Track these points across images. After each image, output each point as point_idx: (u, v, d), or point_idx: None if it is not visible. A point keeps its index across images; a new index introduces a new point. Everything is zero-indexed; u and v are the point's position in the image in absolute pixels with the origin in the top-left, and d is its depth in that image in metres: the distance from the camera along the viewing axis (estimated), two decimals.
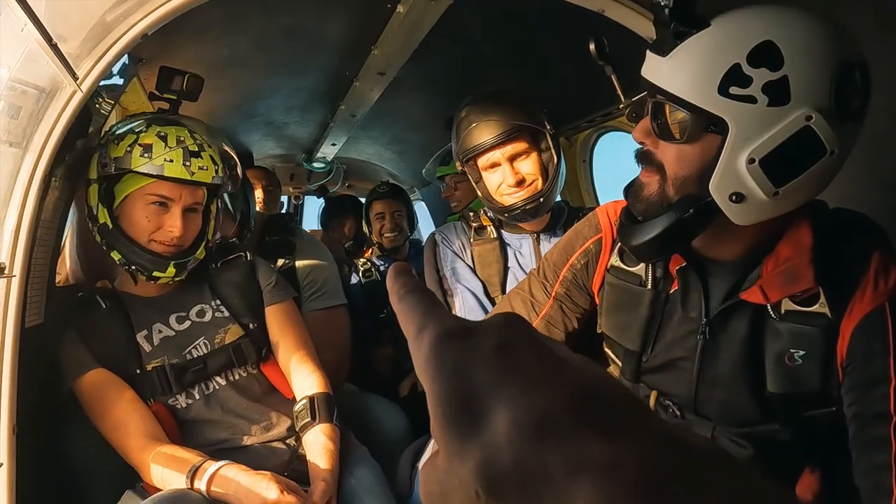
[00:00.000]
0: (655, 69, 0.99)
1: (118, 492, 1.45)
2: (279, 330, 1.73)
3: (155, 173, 1.47)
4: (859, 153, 0.98)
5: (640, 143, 1.07)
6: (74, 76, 1.20)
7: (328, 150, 3.63)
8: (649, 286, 1.21)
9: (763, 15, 0.93)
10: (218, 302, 1.69)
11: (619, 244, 1.28)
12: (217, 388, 1.58)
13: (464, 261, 2.01)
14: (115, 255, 1.52)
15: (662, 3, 0.93)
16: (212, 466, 1.32)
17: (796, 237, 1.06)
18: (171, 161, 1.48)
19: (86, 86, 1.22)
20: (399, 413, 2.04)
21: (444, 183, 3.01)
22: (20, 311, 1.19)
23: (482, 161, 1.87)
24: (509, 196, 1.86)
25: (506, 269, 1.97)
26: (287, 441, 1.61)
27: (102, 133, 1.61)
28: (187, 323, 1.62)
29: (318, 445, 1.50)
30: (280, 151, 3.78)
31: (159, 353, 1.55)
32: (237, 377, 1.62)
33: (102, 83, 1.32)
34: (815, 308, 1.04)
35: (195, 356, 1.58)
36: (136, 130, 1.52)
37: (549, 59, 2.30)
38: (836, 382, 1.04)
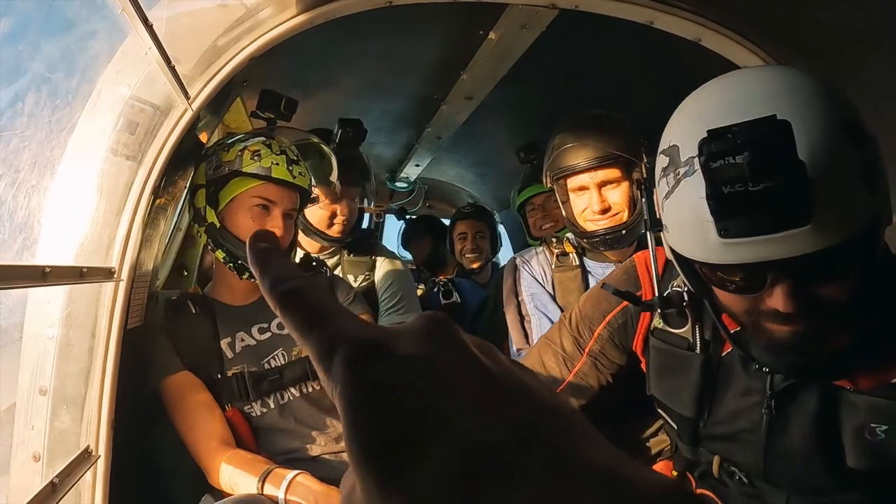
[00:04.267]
0: (793, 242, 0.80)
1: (198, 491, 1.50)
2: None
3: (263, 174, 1.58)
4: None
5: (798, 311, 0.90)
6: (187, 95, 1.29)
7: (411, 171, 3.69)
8: (698, 350, 1.12)
9: (816, 100, 0.84)
10: None
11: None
12: (291, 398, 1.63)
13: (544, 287, 1.99)
14: (220, 254, 1.62)
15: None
16: (289, 473, 1.35)
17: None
18: (277, 164, 1.60)
19: (196, 104, 1.31)
20: None
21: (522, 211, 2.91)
22: (124, 313, 1.27)
23: (571, 182, 1.85)
24: (592, 222, 1.84)
25: None
26: None
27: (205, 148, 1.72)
28: (268, 334, 1.68)
29: None
30: None
31: (240, 360, 1.61)
32: (311, 389, 1.66)
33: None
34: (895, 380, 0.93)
35: (273, 366, 1.63)
36: (244, 140, 1.65)
37: (637, 89, 2.26)
38: None
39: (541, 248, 2.11)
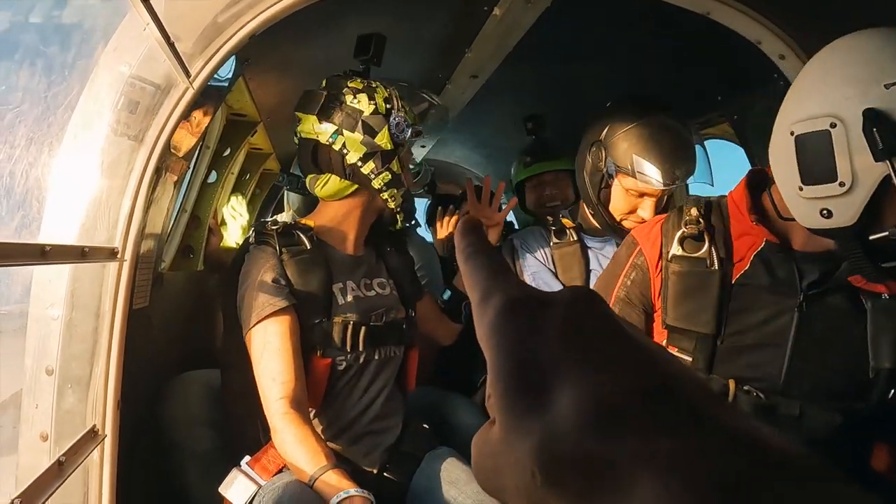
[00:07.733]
0: None
1: (210, 471, 1.51)
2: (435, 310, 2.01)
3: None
4: None
5: None
6: (188, 74, 1.27)
7: (418, 152, 3.67)
8: (716, 267, 1.23)
9: None
10: (392, 282, 1.77)
11: (679, 234, 1.30)
12: (376, 358, 1.63)
13: (545, 265, 1.98)
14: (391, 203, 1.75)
15: None
16: (342, 493, 1.25)
17: None
18: None
19: (197, 83, 1.29)
20: (478, 412, 2.02)
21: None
22: (129, 294, 1.27)
23: (635, 185, 1.77)
24: (627, 221, 1.84)
25: (588, 271, 1.93)
26: (394, 431, 1.66)
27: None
28: (373, 291, 1.69)
29: None
30: None
31: (348, 309, 1.58)
32: (392, 355, 1.68)
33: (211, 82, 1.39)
34: None
35: (374, 323, 1.63)
36: (395, 97, 1.75)
37: (640, 63, 2.23)
38: None
39: (537, 228, 2.09)
